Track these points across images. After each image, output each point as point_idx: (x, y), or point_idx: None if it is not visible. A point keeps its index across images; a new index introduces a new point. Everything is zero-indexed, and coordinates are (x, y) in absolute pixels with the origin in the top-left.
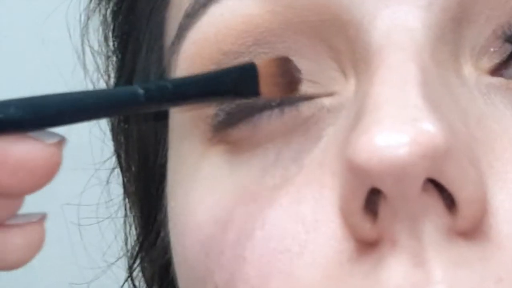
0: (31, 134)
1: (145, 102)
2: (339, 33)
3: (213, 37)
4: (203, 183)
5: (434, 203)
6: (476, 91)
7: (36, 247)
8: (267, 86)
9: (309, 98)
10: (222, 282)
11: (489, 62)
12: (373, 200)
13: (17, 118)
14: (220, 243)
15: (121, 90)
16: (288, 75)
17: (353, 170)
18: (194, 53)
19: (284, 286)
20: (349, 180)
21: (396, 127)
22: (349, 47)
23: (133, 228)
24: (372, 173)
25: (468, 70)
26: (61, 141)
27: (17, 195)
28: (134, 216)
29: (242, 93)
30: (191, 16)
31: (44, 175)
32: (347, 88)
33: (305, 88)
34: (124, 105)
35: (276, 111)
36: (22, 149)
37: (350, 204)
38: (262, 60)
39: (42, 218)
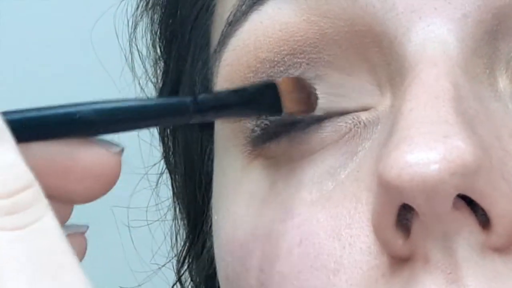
0: (98, 141)
1: (193, 113)
2: (373, 45)
3: (251, 44)
4: (243, 198)
5: (467, 219)
6: (511, 105)
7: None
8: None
9: (347, 112)
10: None
11: None
12: (405, 216)
13: (91, 119)
14: (260, 259)
15: (174, 100)
16: (305, 91)
17: (384, 186)
18: (233, 60)
19: None
20: (380, 196)
21: (426, 144)
22: (383, 60)
23: (181, 230)
24: (402, 190)
25: (503, 83)
26: (122, 150)
27: (79, 202)
28: (182, 219)
29: (264, 110)
30: (233, 24)
31: (107, 184)
32: (383, 102)
33: (340, 102)
34: (176, 115)
35: (314, 126)
36: (92, 156)
37: (381, 220)
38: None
39: (86, 230)
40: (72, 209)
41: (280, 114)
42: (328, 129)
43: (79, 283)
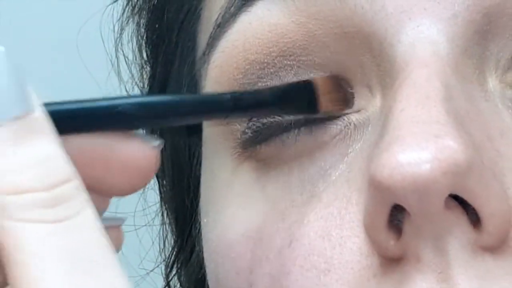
0: (138, 135)
1: (232, 109)
2: (363, 47)
3: (241, 45)
4: (234, 200)
5: (458, 219)
6: (501, 105)
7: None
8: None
9: (337, 115)
10: None
11: None
12: (397, 216)
13: (132, 113)
14: (250, 261)
15: (214, 96)
16: (342, 90)
17: (376, 187)
18: (222, 61)
19: None
20: (372, 197)
21: (418, 143)
22: (373, 61)
23: (169, 235)
24: (394, 190)
25: (492, 83)
26: (161, 144)
27: (117, 194)
28: (170, 224)
29: (301, 109)
30: (221, 25)
31: (145, 177)
32: (374, 103)
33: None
34: (216, 111)
35: (303, 128)
36: (132, 149)
37: (373, 221)
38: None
39: (122, 223)
40: (109, 201)
41: (317, 113)
42: (319, 131)
43: (115, 278)
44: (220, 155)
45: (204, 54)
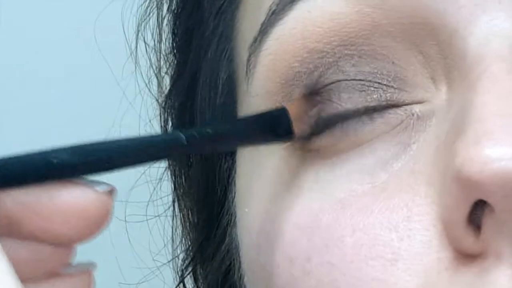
0: (82, 181)
1: (187, 146)
2: (430, 38)
3: (299, 33)
4: (284, 189)
5: None
6: None
7: None
8: (298, 125)
9: (400, 105)
10: None
11: None
12: (475, 212)
13: (70, 163)
14: (306, 249)
15: (164, 136)
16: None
17: (461, 181)
18: (277, 49)
19: None
20: (454, 191)
21: (507, 138)
22: (440, 53)
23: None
24: (482, 186)
25: None
26: (112, 190)
27: (69, 244)
28: (183, 220)
29: (276, 135)
30: (277, 12)
31: (96, 224)
32: (438, 95)
33: (391, 94)
34: (167, 150)
35: (363, 118)
36: (74, 195)
37: (453, 216)
38: (290, 102)
39: (92, 268)
40: (72, 250)
41: (292, 139)
42: (378, 121)
43: None
44: (268, 145)
45: (255, 41)
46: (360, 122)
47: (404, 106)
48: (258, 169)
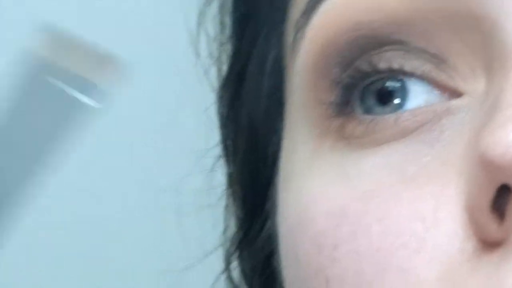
0: None
1: None
2: (471, 28)
3: (343, 7)
4: (316, 176)
5: None
6: None
7: None
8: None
9: (439, 84)
10: (335, 276)
11: None
12: (499, 198)
13: None
14: (334, 237)
15: None
16: None
17: (484, 165)
18: (323, 22)
19: (400, 282)
20: (478, 176)
21: None
22: (480, 43)
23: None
24: (505, 169)
25: None
26: None
27: None
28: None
29: None
30: None
31: None
32: (476, 87)
33: (430, 81)
34: None
35: (394, 110)
36: None
37: (477, 201)
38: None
39: None
40: None
41: None
42: (408, 115)
43: None
44: (305, 129)
45: (302, 16)
46: (393, 114)
47: (439, 98)
48: (295, 153)
